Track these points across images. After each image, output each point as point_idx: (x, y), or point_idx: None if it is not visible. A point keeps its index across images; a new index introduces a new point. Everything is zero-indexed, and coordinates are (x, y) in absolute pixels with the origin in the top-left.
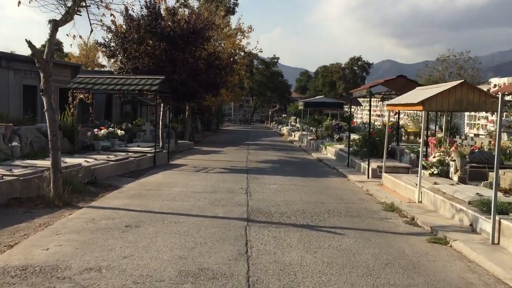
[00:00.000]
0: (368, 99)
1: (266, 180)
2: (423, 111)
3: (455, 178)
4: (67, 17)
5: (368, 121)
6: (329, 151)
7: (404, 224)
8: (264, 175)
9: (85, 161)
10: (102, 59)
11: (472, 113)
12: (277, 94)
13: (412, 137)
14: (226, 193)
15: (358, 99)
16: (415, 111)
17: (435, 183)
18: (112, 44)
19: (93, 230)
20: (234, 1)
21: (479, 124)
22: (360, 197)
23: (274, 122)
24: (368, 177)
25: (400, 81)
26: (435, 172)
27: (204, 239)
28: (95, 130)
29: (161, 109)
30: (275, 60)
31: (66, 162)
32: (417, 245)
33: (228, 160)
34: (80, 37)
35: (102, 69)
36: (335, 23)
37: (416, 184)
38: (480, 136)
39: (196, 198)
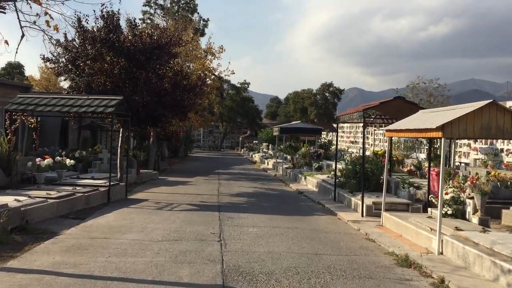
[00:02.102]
0: (349, 124)
1: (243, 221)
2: (443, 138)
3: (474, 220)
4: None
5: (344, 147)
6: (310, 182)
7: None
8: (240, 213)
9: (16, 199)
10: (65, 83)
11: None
12: (247, 119)
13: (395, 166)
14: (194, 241)
15: (334, 125)
16: (398, 137)
17: (457, 229)
18: (62, 59)
19: None
20: (204, 22)
21: (461, 151)
22: (362, 244)
23: (245, 149)
24: (363, 215)
25: (397, 104)
26: (448, 212)
27: None
28: (38, 159)
29: (120, 135)
30: (246, 86)
31: None
32: None
33: (197, 193)
34: (6, 42)
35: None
36: (304, 52)
37: (432, 229)
38: (462, 164)
39: (154, 250)
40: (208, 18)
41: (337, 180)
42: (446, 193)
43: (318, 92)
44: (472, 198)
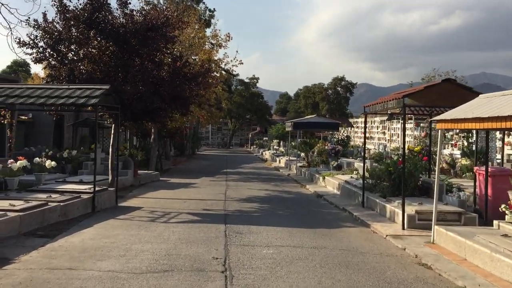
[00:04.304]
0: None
1: (254, 237)
2: None
3: None
4: None
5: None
6: (330, 183)
7: None
8: (251, 225)
9: None
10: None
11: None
12: (257, 116)
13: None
14: (189, 272)
15: (349, 120)
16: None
17: None
18: (41, 44)
19: None
20: (210, 13)
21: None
22: (416, 273)
23: (255, 146)
24: (404, 228)
25: (444, 89)
26: None
27: None
28: (10, 161)
29: (112, 131)
30: (255, 81)
31: None
32: None
33: (200, 198)
34: None
35: None
36: (313, 48)
37: None
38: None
39: None
40: (214, 8)
41: (360, 181)
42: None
43: (330, 86)
44: None
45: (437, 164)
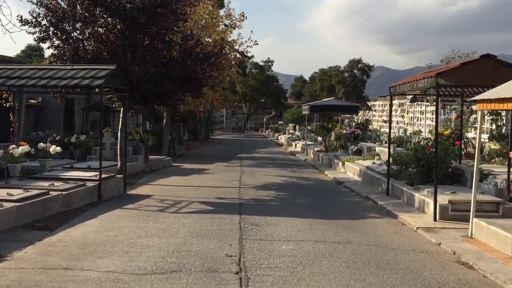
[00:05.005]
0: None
1: (272, 230)
2: None
3: None
4: None
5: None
6: (350, 169)
7: None
8: (268, 216)
9: None
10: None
11: None
12: (272, 100)
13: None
14: (199, 273)
15: (368, 103)
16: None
17: None
18: (44, 22)
19: None
20: None
21: None
22: (457, 274)
23: (269, 130)
24: (435, 219)
25: (482, 66)
26: None
27: None
28: (12, 146)
29: (120, 115)
30: (270, 64)
31: None
32: None
33: (213, 185)
34: None
35: None
36: (328, 30)
37: None
38: None
39: None
40: None
41: (383, 167)
42: None
43: (346, 69)
44: None
45: (477, 148)
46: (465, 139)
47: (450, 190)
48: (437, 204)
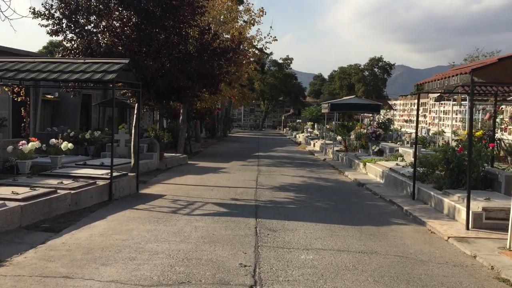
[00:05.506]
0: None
1: (290, 237)
2: None
3: None
4: None
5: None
6: (371, 170)
7: None
8: (285, 220)
9: None
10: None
11: None
12: (290, 98)
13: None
14: (209, 285)
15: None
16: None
17: None
18: (57, 14)
19: None
20: None
21: None
22: None
23: (287, 128)
24: (468, 227)
25: None
26: None
27: None
28: (21, 142)
29: (135, 111)
30: (288, 62)
31: None
32: None
33: (229, 185)
34: None
35: None
36: (348, 29)
37: None
38: None
39: None
40: None
41: (408, 170)
42: None
43: (367, 67)
44: None
45: None
46: (497, 141)
47: (483, 196)
48: (470, 211)
